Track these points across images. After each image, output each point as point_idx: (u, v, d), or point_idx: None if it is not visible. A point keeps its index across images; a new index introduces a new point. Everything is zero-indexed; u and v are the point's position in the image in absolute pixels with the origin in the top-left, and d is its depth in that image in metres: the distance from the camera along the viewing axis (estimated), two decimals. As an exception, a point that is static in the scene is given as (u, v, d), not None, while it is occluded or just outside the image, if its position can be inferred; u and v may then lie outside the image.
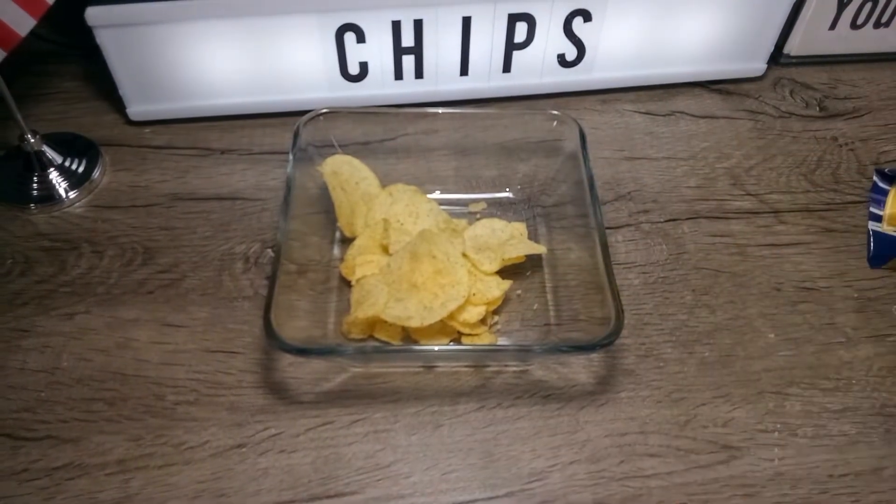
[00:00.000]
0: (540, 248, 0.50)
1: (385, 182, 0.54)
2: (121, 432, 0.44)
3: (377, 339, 0.47)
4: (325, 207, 0.53)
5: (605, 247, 0.46)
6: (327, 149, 0.54)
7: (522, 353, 0.46)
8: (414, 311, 0.45)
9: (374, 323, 0.47)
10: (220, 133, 0.61)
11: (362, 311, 0.45)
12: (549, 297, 0.51)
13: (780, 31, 0.66)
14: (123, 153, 0.60)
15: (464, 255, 0.49)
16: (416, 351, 0.46)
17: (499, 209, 0.56)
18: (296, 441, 0.44)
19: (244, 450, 0.43)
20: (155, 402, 0.45)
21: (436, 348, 0.45)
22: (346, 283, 0.50)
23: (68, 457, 0.43)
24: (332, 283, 0.51)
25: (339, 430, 0.44)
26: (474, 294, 0.47)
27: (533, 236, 0.53)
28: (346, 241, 0.52)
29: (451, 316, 0.45)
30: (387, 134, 0.57)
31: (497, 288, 0.48)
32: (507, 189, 0.57)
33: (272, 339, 0.40)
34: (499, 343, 0.47)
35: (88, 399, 0.45)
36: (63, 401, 0.45)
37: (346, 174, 0.53)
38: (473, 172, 0.57)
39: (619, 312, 0.42)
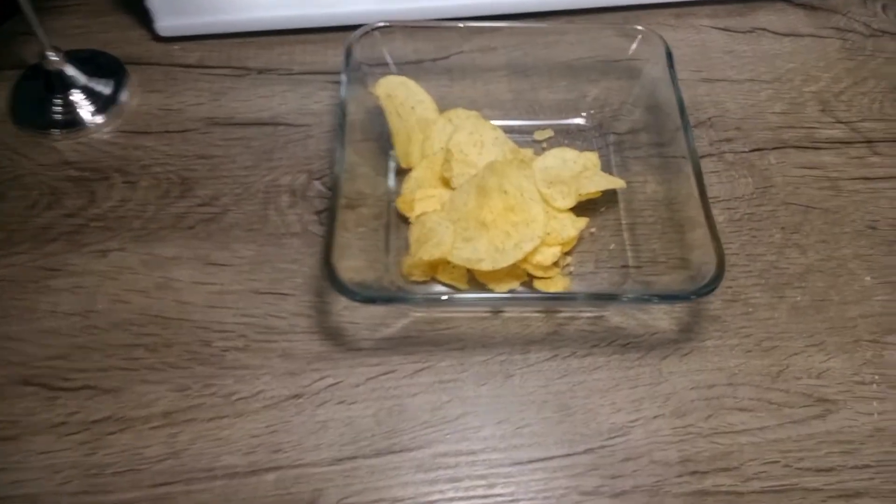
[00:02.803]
0: (619, 182, 0.45)
1: (440, 106, 0.49)
2: (165, 382, 0.41)
3: (440, 282, 0.43)
4: (376, 134, 0.49)
5: (700, 179, 0.41)
6: (379, 68, 0.49)
7: (608, 301, 0.42)
8: (485, 253, 0.41)
9: (438, 264, 0.43)
10: (256, 50, 0.56)
11: (426, 251, 0.41)
12: (626, 235, 0.46)
13: (877, -66, 0.59)
14: (152, 72, 0.54)
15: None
16: (495, 299, 0.42)
17: (566, 137, 0.51)
18: (356, 391, 0.40)
19: (300, 401, 0.40)
20: (201, 349, 0.42)
21: (517, 296, 0.41)
22: (402, 220, 0.46)
23: (109, 409, 0.39)
24: (386, 218, 0.46)
25: (401, 380, 0.41)
26: (548, 234, 0.42)
27: (605, 167, 0.48)
28: (402, 173, 0.48)
29: (524, 258, 0.41)
30: (439, 52, 0.52)
31: (573, 227, 0.43)
32: (576, 114, 0.51)
33: (336, 286, 0.36)
34: (574, 289, 0.43)
35: (128, 345, 0.42)
36: (100, 347, 0.42)
37: (402, 97, 0.48)
38: (536, 96, 0.52)
39: (721, 256, 0.38)
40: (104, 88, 0.53)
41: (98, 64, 0.54)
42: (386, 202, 0.47)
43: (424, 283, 0.44)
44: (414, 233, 0.44)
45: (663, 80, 0.48)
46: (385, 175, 0.48)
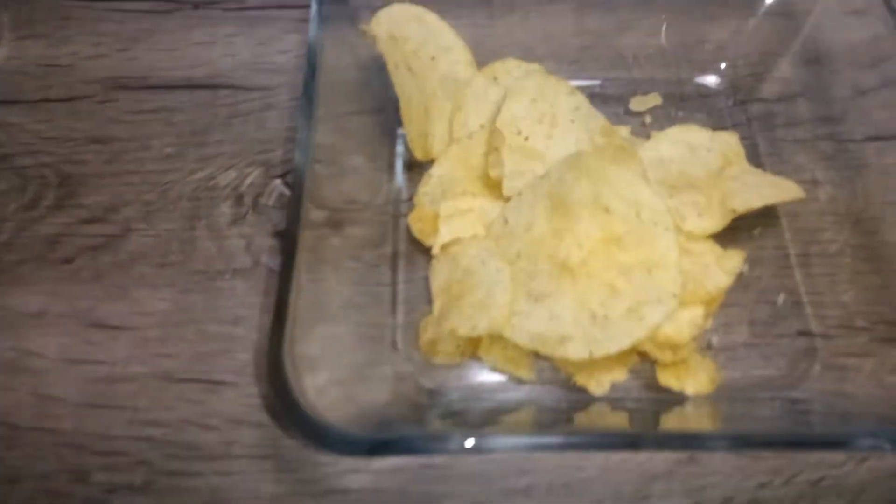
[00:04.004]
0: (794, 192, 0.26)
1: (477, 56, 0.30)
2: (1, 554, 0.23)
3: (486, 362, 0.25)
4: (376, 103, 0.30)
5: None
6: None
7: (808, 448, 0.23)
8: (573, 326, 0.22)
9: (481, 337, 0.24)
10: (191, -26, 0.36)
11: (463, 320, 0.23)
12: (798, 275, 0.28)
13: None
14: (32, 9, 0.36)
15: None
16: (597, 442, 0.22)
17: (680, 108, 0.32)
18: (339, 581, 0.22)
19: None
20: (72, 487, 0.24)
21: (638, 435, 0.22)
22: (418, 248, 0.27)
23: None
24: (390, 245, 0.28)
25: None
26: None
27: (751, 158, 0.29)
28: (418, 168, 0.29)
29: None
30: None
31: (722, 269, 0.24)
32: (694, 70, 0.32)
33: (288, 413, 0.18)
34: (727, 382, 0.24)
35: (-56, 479, 0.24)
36: None
37: (415, 40, 0.29)
38: (625, 39, 0.34)
39: None
40: (-45, 32, 0.34)
41: (-52, -6, 0.35)
42: (391, 218, 0.28)
43: (457, 366, 0.25)
44: (438, 275, 0.26)
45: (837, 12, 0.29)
46: (389, 171, 0.30)
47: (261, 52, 0.34)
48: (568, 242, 0.23)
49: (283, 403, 0.19)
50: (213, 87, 0.33)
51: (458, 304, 0.24)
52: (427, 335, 0.25)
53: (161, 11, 0.35)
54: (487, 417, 0.23)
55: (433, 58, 0.29)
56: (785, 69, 0.32)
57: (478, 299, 0.23)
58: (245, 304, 0.27)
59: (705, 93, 0.32)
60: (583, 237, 0.23)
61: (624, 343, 0.21)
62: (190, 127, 0.32)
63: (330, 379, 0.22)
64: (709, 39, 0.33)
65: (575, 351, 0.22)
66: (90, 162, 0.31)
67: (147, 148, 0.31)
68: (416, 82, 0.28)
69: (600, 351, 0.22)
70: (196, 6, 0.35)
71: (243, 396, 0.25)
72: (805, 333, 0.26)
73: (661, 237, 0.22)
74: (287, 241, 0.22)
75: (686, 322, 0.23)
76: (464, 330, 0.23)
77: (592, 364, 0.23)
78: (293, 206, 0.23)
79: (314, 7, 0.27)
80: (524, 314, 0.23)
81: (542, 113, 0.27)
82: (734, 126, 0.31)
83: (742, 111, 0.32)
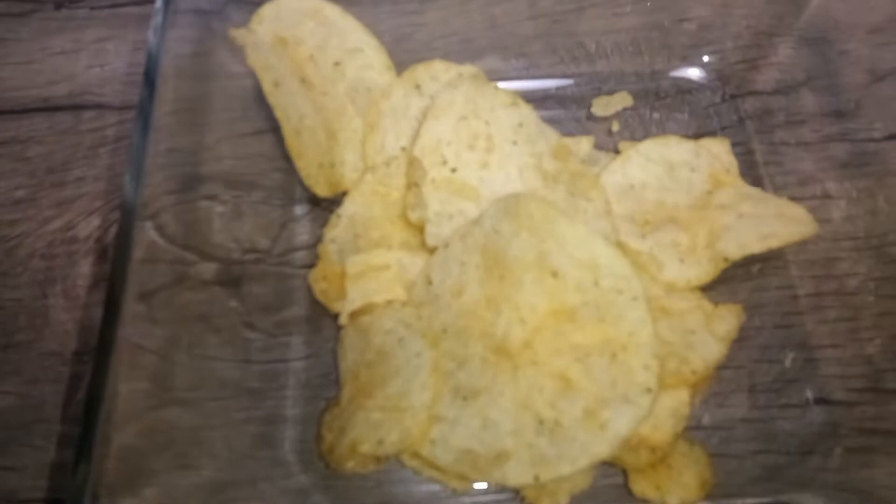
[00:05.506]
0: (806, 226, 0.21)
1: (405, 51, 0.24)
2: None
3: (410, 468, 0.19)
4: (272, 122, 0.24)
5: None
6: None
7: None
8: (513, 439, 0.16)
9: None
10: (56, -35, 0.30)
11: (369, 431, 0.17)
12: (809, 323, 0.22)
13: None
14: None
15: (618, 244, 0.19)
16: None
17: (657, 109, 0.26)
18: None
19: None
20: None
21: None
22: (321, 314, 0.21)
23: None
24: (291, 308, 0.22)
25: None
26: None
27: (746, 168, 0.24)
28: (322, 208, 0.23)
29: (610, 433, 0.17)
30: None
31: (714, 337, 0.19)
32: (673, 59, 0.26)
33: None
34: (725, 483, 0.19)
35: None
36: None
37: (312, 43, 0.23)
38: (587, 24, 0.28)
39: None
40: None
41: None
42: (291, 276, 0.22)
43: (373, 475, 0.19)
44: (347, 354, 0.20)
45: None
46: (291, 205, 0.24)
47: (138, 59, 0.28)
48: (507, 316, 0.17)
49: None
50: (76, 108, 0.26)
51: (365, 402, 0.18)
52: (332, 436, 0.19)
53: (14, 14, 0.29)
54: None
55: (337, 63, 0.23)
56: (784, 52, 0.26)
57: (391, 397, 0.17)
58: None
59: (686, 87, 0.26)
60: (525, 310, 0.17)
61: (580, 462, 0.16)
62: (46, 162, 0.25)
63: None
64: (689, 17, 0.27)
65: (515, 475, 0.16)
66: (-85, 212, 0.25)
67: (-11, 192, 0.25)
68: (314, 98, 0.22)
69: (548, 474, 0.16)
70: (58, 6, 0.29)
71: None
72: (822, 401, 0.20)
73: (629, 310, 0.17)
74: (107, 314, 0.17)
75: (667, 413, 0.17)
76: (367, 446, 0.17)
77: (544, 481, 0.17)
78: (116, 260, 0.18)
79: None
80: (449, 422, 0.17)
81: (474, 134, 0.21)
82: (724, 129, 0.25)
83: (733, 108, 0.26)
